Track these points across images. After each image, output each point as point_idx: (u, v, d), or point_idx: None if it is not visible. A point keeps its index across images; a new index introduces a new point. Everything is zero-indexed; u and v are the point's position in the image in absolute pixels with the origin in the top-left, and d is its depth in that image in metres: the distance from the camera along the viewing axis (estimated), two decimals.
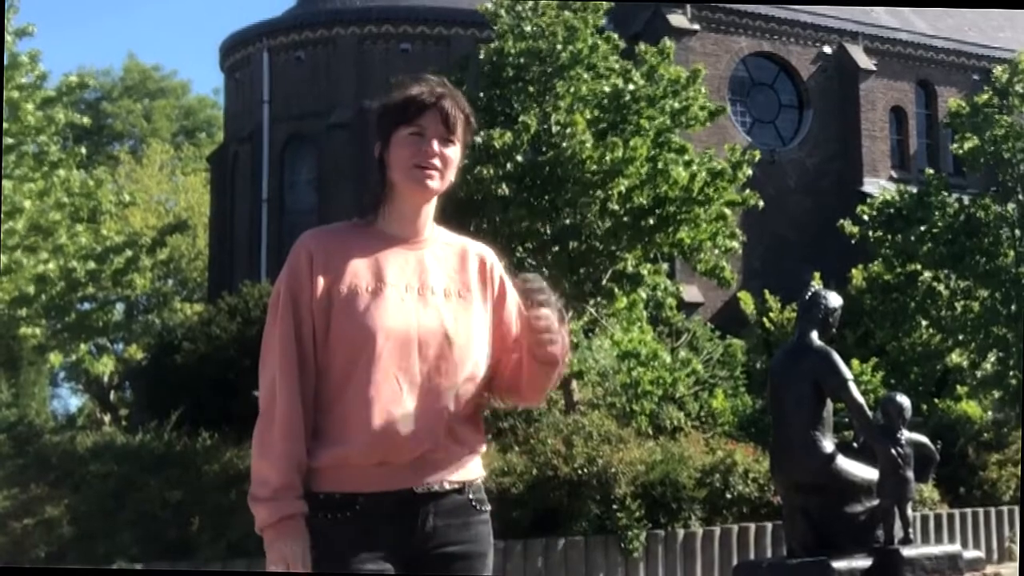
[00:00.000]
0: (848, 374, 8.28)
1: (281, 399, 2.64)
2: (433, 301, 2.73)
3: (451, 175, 2.80)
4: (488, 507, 2.79)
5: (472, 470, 2.76)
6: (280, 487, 2.60)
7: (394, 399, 2.64)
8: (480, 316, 2.80)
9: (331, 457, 2.64)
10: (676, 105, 14.34)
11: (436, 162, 2.75)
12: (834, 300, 8.59)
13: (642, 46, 14.93)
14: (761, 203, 14.90)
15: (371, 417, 2.62)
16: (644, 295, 14.94)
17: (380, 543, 2.63)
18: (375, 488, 2.63)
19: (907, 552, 8.15)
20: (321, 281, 2.68)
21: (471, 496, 2.74)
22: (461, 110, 2.79)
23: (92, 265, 14.70)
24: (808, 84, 25.41)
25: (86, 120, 16.98)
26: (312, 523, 2.61)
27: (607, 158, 13.23)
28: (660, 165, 13.71)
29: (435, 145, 2.75)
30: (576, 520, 12.23)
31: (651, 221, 13.79)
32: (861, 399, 8.29)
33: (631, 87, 14.06)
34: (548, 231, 13.92)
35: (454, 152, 2.79)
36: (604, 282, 14.20)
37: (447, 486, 2.69)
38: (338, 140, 24.30)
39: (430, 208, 2.83)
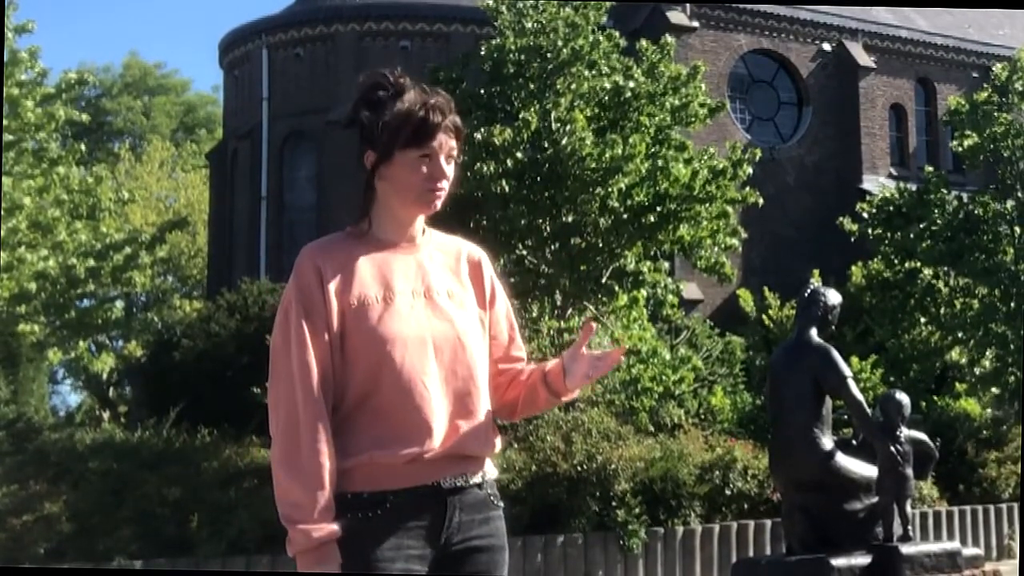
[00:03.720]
0: (847, 371, 8.28)
1: (306, 419, 2.61)
2: (440, 304, 2.77)
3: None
4: (502, 503, 2.83)
5: (489, 466, 2.81)
6: (316, 511, 2.58)
7: (422, 402, 2.67)
8: (477, 316, 2.84)
9: (358, 459, 2.64)
10: (676, 102, 14.34)
11: (445, 183, 2.76)
12: (833, 297, 8.58)
13: (643, 43, 14.92)
14: (761, 200, 14.90)
15: (402, 421, 2.66)
16: (645, 293, 14.95)
17: (410, 539, 2.65)
18: (404, 484, 2.65)
19: (906, 549, 8.15)
20: (333, 294, 2.68)
21: (489, 491, 2.79)
22: (460, 127, 2.81)
23: (91, 262, 14.66)
24: (807, 81, 25.39)
25: (86, 117, 16.95)
26: (341, 524, 2.61)
27: (607, 155, 13.23)
28: (660, 162, 13.72)
29: (444, 167, 2.76)
30: (575, 517, 12.22)
31: (651, 218, 13.80)
32: (860, 396, 8.28)
33: (631, 84, 14.06)
34: (548, 228, 13.92)
35: (454, 166, 2.81)
36: (604, 279, 14.20)
37: (470, 480, 2.74)
38: (337, 137, 24.23)
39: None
